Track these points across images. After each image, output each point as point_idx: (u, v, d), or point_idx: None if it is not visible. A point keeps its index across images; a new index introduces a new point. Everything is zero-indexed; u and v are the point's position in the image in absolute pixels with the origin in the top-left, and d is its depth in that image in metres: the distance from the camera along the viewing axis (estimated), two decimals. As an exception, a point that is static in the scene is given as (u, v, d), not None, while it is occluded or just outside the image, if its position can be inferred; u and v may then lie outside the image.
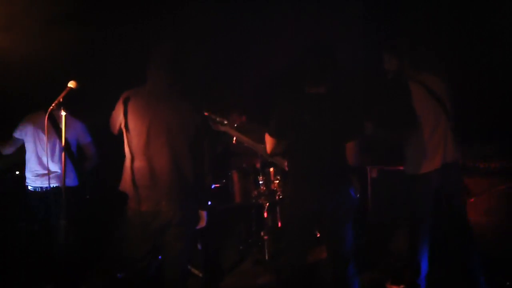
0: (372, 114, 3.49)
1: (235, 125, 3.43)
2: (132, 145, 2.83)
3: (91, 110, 4.30)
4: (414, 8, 4.95)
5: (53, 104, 2.76)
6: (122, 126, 2.85)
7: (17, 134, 4.06)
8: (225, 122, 3.33)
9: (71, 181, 4.08)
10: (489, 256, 3.64)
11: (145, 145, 2.80)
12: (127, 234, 2.89)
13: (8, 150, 4.14)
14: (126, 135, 2.84)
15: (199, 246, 4.22)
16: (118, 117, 2.86)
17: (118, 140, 2.93)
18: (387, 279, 3.90)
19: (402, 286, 3.70)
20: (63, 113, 2.83)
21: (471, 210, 3.93)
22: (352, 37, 5.34)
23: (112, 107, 2.93)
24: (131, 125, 2.82)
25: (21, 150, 4.13)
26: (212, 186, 4.75)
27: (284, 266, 3.19)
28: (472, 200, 4.16)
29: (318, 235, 4.17)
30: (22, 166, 4.16)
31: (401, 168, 4.57)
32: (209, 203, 4.44)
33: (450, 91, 3.48)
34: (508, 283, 3.77)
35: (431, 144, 3.38)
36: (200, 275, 4.24)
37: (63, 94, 2.78)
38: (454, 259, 3.61)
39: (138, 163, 2.81)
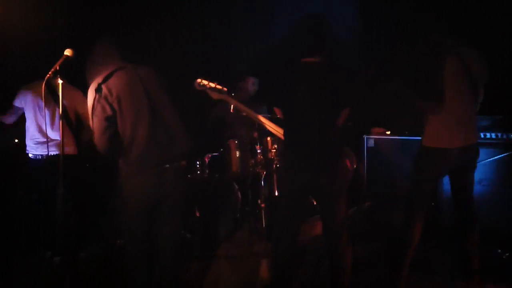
0: (403, 76, 3.45)
1: (233, 94, 3.41)
2: (130, 121, 2.86)
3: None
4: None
5: (49, 72, 2.78)
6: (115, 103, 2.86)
7: (17, 103, 4.09)
8: (224, 89, 3.32)
9: (71, 149, 4.13)
10: (482, 226, 3.70)
11: (149, 118, 2.87)
12: (127, 204, 2.93)
13: (10, 119, 4.18)
14: (120, 112, 2.86)
15: (197, 213, 4.29)
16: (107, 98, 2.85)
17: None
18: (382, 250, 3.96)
19: None
20: (60, 81, 2.85)
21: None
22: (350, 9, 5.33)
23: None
24: (126, 100, 2.85)
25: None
26: (210, 155, 4.83)
27: (276, 236, 3.20)
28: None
29: (314, 203, 4.22)
30: (21, 134, 4.20)
31: (399, 137, 4.69)
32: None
33: (487, 72, 3.33)
34: (507, 254, 3.84)
35: (455, 121, 3.25)
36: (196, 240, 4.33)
37: (59, 62, 2.79)
38: (451, 234, 3.66)
39: (145, 133, 2.87)
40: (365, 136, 4.79)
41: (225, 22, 5.88)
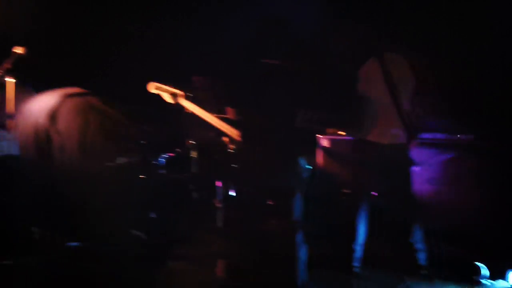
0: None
1: (189, 95, 3.43)
2: None
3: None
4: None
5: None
6: None
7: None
8: (179, 92, 3.35)
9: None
10: (432, 225, 3.84)
11: None
12: None
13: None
14: None
15: (152, 215, 4.26)
16: None
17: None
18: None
19: None
20: (10, 80, 2.79)
21: (415, 179, 4.11)
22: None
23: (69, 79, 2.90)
24: None
25: None
26: (168, 156, 4.81)
27: (237, 234, 3.25)
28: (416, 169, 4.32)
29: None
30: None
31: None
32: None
33: (412, 74, 3.61)
34: (452, 250, 3.99)
35: (380, 119, 3.51)
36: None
37: (10, 60, 2.74)
38: (398, 231, 3.79)
39: None
40: (318, 136, 4.84)
41: (188, 23, 5.86)
